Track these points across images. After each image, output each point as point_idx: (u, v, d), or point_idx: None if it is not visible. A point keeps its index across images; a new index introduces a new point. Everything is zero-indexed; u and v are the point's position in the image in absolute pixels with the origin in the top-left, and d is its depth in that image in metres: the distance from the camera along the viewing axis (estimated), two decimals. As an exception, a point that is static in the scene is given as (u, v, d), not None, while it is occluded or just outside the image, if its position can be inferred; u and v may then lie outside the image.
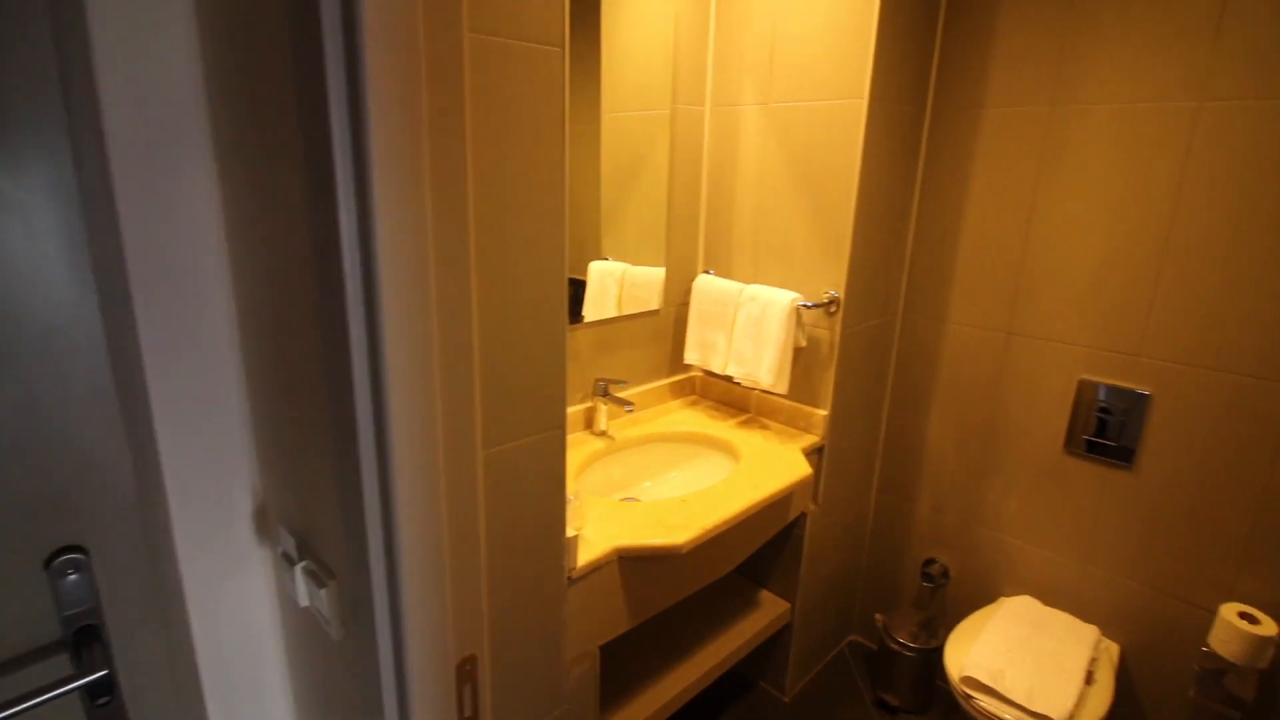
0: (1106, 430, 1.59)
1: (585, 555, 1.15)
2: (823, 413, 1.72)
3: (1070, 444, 1.65)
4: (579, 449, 1.60)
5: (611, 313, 1.75)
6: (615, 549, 1.20)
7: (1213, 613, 1.49)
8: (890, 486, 2.01)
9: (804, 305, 1.64)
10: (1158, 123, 1.43)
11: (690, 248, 1.90)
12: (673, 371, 1.95)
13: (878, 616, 1.96)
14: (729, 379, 1.86)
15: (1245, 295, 1.39)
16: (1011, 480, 1.76)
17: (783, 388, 1.67)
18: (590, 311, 1.71)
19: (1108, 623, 1.67)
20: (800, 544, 1.78)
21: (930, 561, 1.95)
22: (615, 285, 1.79)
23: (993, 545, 1.83)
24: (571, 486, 1.41)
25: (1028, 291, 1.67)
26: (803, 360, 1.75)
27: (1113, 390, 1.57)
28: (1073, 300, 1.60)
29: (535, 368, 0.91)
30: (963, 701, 1.46)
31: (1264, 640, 1.38)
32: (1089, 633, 1.60)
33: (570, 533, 1.07)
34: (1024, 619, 1.64)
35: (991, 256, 1.71)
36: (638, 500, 1.58)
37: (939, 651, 1.83)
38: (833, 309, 1.67)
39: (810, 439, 1.72)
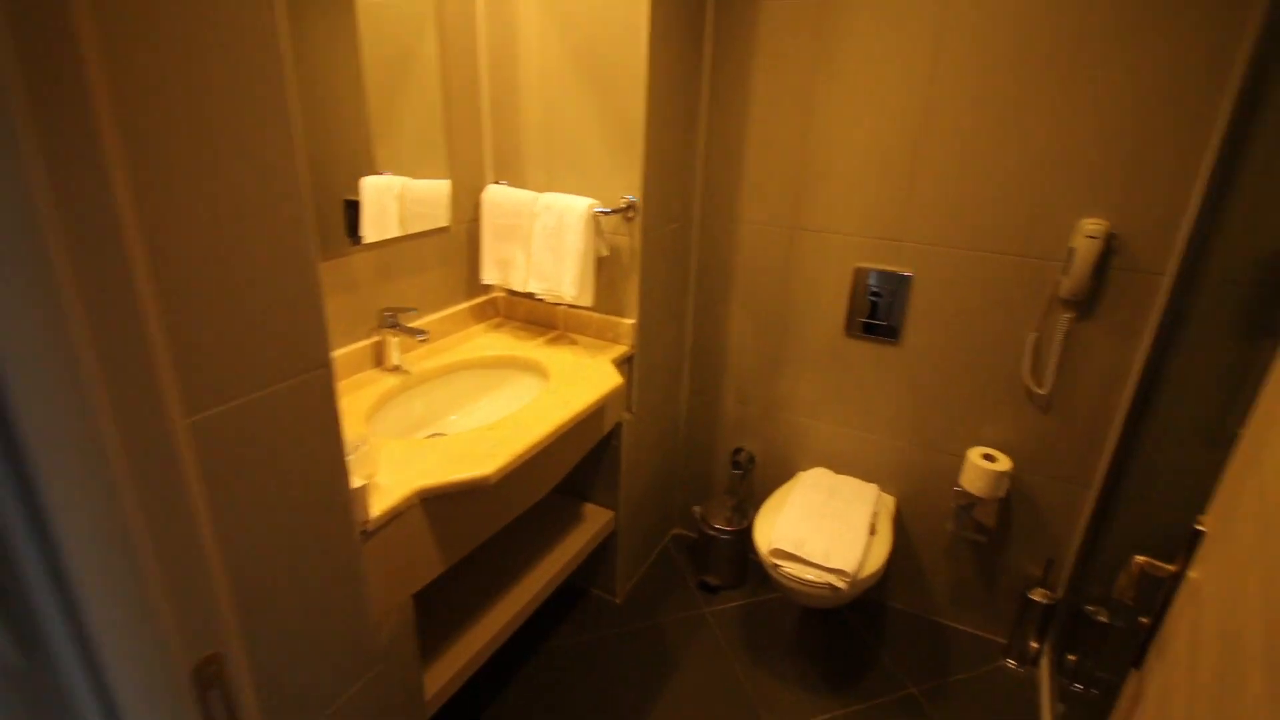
0: (877, 311, 1.75)
1: (381, 504, 1.04)
2: (630, 321, 1.70)
3: (849, 327, 1.80)
4: (368, 389, 1.44)
5: (394, 233, 1.55)
6: (416, 491, 1.10)
7: (962, 458, 1.75)
8: (700, 387, 2.09)
9: (601, 211, 1.57)
10: (912, 14, 1.51)
11: (475, 156, 1.73)
12: (472, 294, 1.81)
13: (695, 509, 2.08)
14: (532, 296, 1.77)
15: (984, 179, 1.56)
16: (802, 366, 1.90)
17: (587, 300, 1.62)
18: (370, 233, 1.50)
19: (887, 481, 1.90)
20: (618, 454, 1.80)
21: (738, 450, 2.08)
22: (395, 203, 1.59)
23: (790, 427, 1.98)
24: (359, 430, 1.27)
25: (809, 186, 1.74)
26: (606, 270, 1.70)
27: (881, 275, 1.72)
28: (846, 193, 1.70)
29: (278, 302, 0.75)
30: (771, 571, 1.60)
31: (1000, 474, 1.65)
32: (870, 491, 1.82)
33: (358, 482, 0.95)
34: (819, 487, 1.81)
35: (776, 154, 1.76)
36: (443, 435, 1.47)
37: (750, 530, 1.99)
38: (631, 214, 1.62)
39: (620, 349, 1.70)
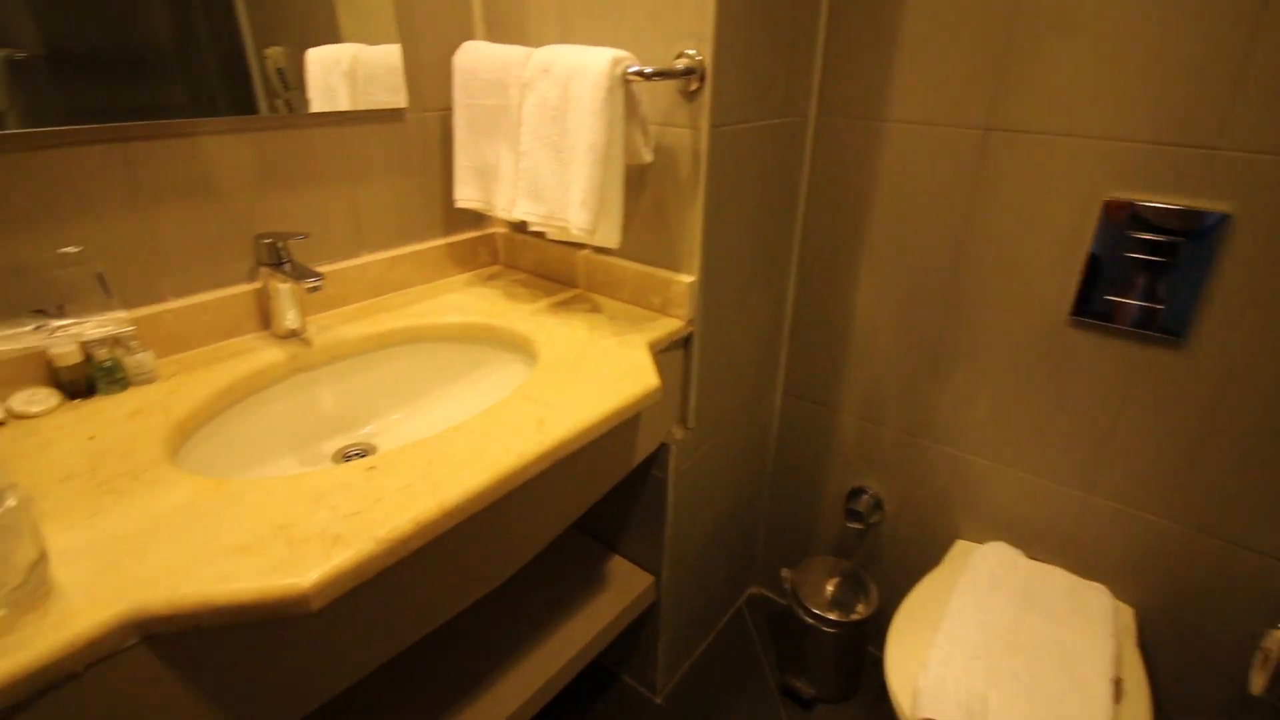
0: (1144, 284, 0.96)
1: (17, 655, 0.43)
2: (686, 280, 1.00)
3: (1082, 309, 1.01)
4: (222, 368, 0.84)
5: (323, 98, 0.94)
6: (126, 618, 0.48)
7: (1299, 566, 0.93)
8: (802, 391, 1.36)
9: (637, 73, 0.87)
10: None
11: (452, 2, 1.08)
12: (452, 227, 1.17)
13: (785, 574, 1.37)
14: (536, 231, 1.11)
15: None
16: (982, 372, 1.13)
17: (610, 235, 0.94)
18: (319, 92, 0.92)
19: (1117, 576, 1.11)
20: (662, 491, 1.12)
21: (858, 492, 1.34)
22: (344, 81, 0.97)
23: (949, 467, 1.22)
24: (178, 447, 0.65)
25: (1025, 50, 0.96)
26: (650, 187, 1.01)
27: (1163, 214, 0.92)
28: (1103, 58, 0.91)
29: None
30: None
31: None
32: (1100, 602, 1.04)
33: None
34: (1003, 586, 1.05)
35: (967, -10, 0.98)
36: (363, 456, 0.86)
37: (870, 626, 1.25)
38: (694, 86, 0.91)
39: (668, 324, 1.01)
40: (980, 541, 1.21)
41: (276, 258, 0.89)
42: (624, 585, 1.17)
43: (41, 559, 0.50)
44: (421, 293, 1.10)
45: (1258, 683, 0.96)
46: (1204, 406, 0.96)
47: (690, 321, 1.03)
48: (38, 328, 0.76)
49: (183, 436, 0.74)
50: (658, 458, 1.10)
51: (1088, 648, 0.94)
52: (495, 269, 1.24)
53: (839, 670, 1.32)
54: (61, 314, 0.78)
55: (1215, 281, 0.91)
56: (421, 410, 1.00)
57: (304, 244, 0.97)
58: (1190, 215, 0.90)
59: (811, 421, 1.36)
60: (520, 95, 0.94)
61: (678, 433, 1.09)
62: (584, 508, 0.90)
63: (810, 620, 1.26)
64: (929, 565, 1.25)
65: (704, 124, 0.92)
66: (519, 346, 0.98)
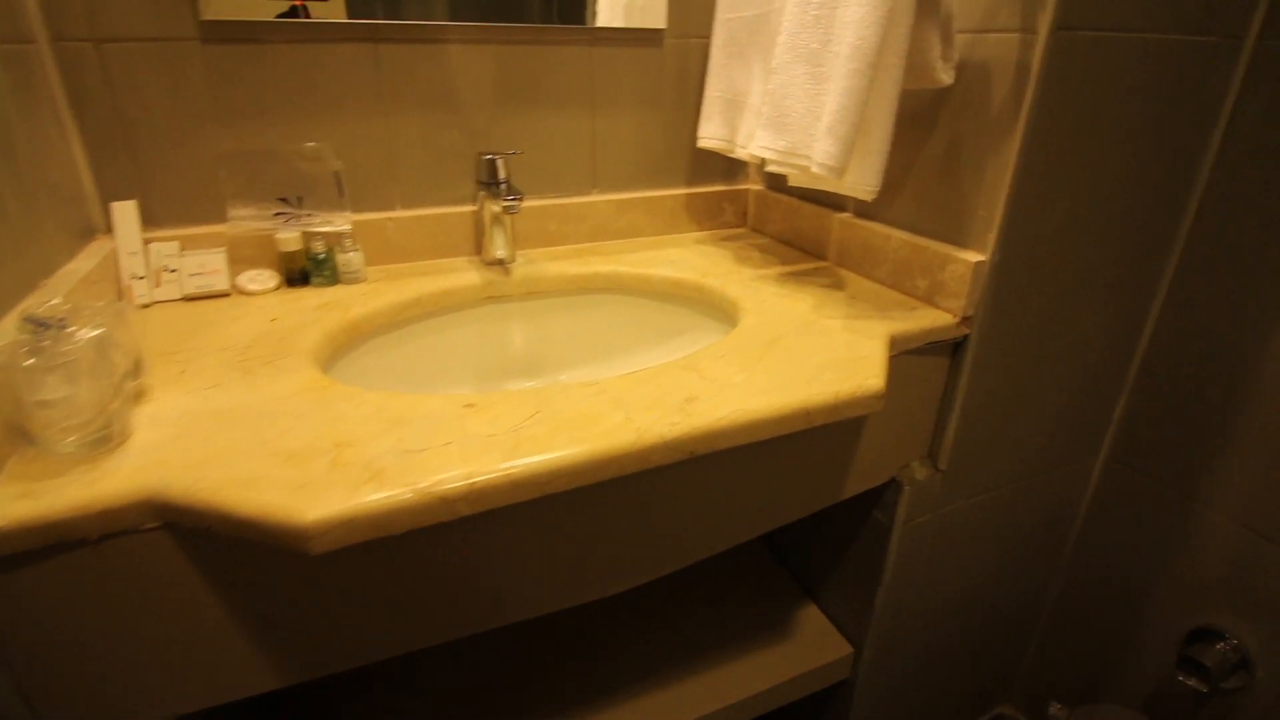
0: None
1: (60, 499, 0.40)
2: (972, 258, 0.70)
3: None
4: (418, 282, 0.81)
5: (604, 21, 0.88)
6: (148, 498, 0.43)
7: None
8: (1141, 459, 0.92)
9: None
10: None
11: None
12: (696, 177, 1.03)
13: (1055, 711, 0.95)
14: (795, 187, 0.90)
15: None
16: None
17: (868, 180, 0.68)
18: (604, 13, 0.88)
19: None
20: (883, 541, 0.83)
21: (1209, 635, 0.87)
22: None
23: None
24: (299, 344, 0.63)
25: None
26: (943, 123, 0.73)
27: None
28: None
29: None
30: None
31: None
32: None
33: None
34: None
35: None
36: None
37: None
38: (1037, -35, 0.61)
39: (930, 317, 0.72)
40: None
41: (493, 176, 0.83)
42: (813, 646, 0.92)
43: (120, 403, 0.47)
44: (646, 244, 0.98)
45: None
46: None
47: (967, 319, 0.72)
48: (278, 214, 0.81)
49: (350, 337, 0.71)
50: (883, 497, 0.81)
51: None
52: (739, 231, 1.06)
53: None
54: (300, 205, 0.82)
55: None
56: (614, 369, 0.87)
57: (534, 174, 0.91)
58: None
59: (1151, 509, 0.92)
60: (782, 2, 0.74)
61: (920, 471, 0.80)
62: (760, 529, 0.68)
63: (1082, 794, 0.85)
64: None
65: (1044, 23, 0.61)
66: (725, 313, 0.79)
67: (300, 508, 0.41)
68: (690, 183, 1.02)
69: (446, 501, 0.44)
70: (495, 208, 0.84)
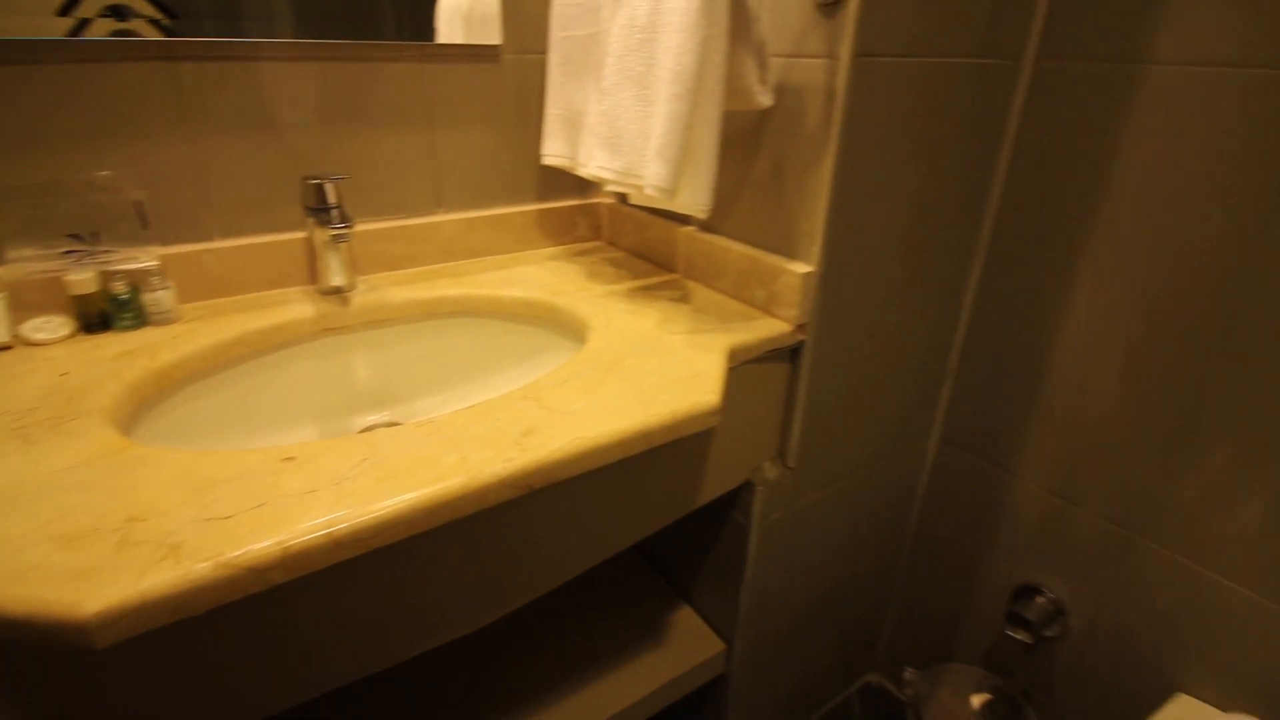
0: None
1: None
2: (801, 269, 0.75)
3: None
4: (242, 319, 0.75)
5: (444, 38, 0.85)
6: None
7: None
8: (966, 440, 1.02)
9: (751, -23, 0.64)
10: None
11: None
12: (547, 192, 1.02)
13: (909, 675, 1.04)
14: (618, 195, 0.91)
15: None
16: (1269, 452, 0.73)
17: (698, 196, 0.71)
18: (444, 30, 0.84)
19: None
20: (742, 540, 0.87)
21: (1030, 591, 0.98)
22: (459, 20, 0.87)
23: (1181, 585, 0.83)
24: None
25: None
26: (768, 142, 0.77)
27: None
28: None
29: None
30: None
31: None
32: None
33: None
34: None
35: None
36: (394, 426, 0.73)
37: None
38: (834, -3, 0.65)
39: (769, 326, 0.76)
40: (1217, 706, 0.80)
41: (321, 200, 0.79)
42: (688, 647, 0.94)
43: None
44: (498, 262, 0.96)
45: None
46: None
47: (801, 326, 0.77)
48: (68, 253, 0.72)
49: (160, 387, 0.65)
50: (740, 498, 0.85)
51: None
52: (594, 245, 1.06)
53: (970, 825, 0.97)
54: (95, 241, 0.73)
55: None
56: (467, 396, 0.85)
57: (373, 195, 0.87)
58: None
59: (976, 484, 1.02)
60: (612, 16, 0.75)
61: (770, 471, 0.84)
62: (621, 545, 0.69)
63: (934, 750, 0.94)
64: (1125, 714, 0.87)
65: (845, 51, 0.66)
66: (576, 331, 0.79)
67: (79, 599, 0.37)
68: (541, 198, 1.02)
69: (256, 572, 0.41)
70: (327, 235, 0.80)
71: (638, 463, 0.64)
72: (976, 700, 1.01)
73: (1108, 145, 0.79)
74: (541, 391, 0.60)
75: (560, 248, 1.03)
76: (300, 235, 0.83)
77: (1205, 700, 0.82)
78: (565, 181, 1.02)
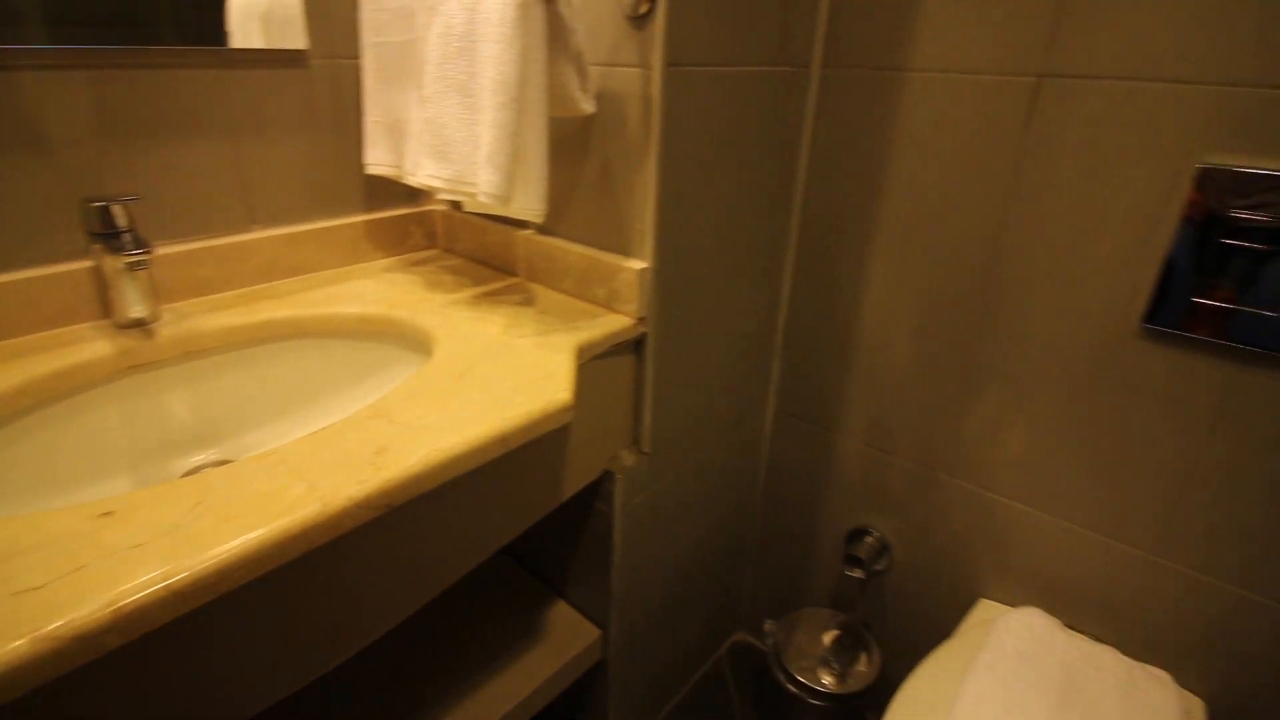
0: (1247, 282, 0.71)
1: None
2: (636, 265, 0.79)
3: (1160, 314, 0.76)
4: (20, 365, 0.66)
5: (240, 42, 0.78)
6: None
7: None
8: (797, 409, 1.13)
9: (562, -10, 0.67)
10: None
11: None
12: (375, 202, 0.98)
13: (769, 626, 1.14)
14: (451, 202, 0.91)
15: None
16: (1021, 393, 0.89)
17: (532, 204, 0.73)
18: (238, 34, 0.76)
19: (1185, 662, 0.86)
20: (607, 528, 0.91)
21: (860, 534, 1.11)
22: (259, 23, 0.80)
23: (973, 510, 0.98)
24: None
25: (1092, -32, 0.72)
26: (596, 147, 0.80)
27: (1272, 186, 0.67)
28: (1203, -28, 0.67)
29: None
30: None
31: None
32: (1161, 698, 0.79)
33: None
34: (1034, 671, 0.81)
35: (1013, -107, 0.75)
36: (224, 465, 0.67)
37: (868, 697, 1.03)
38: (643, 7, 0.70)
39: (612, 322, 0.80)
40: (1009, 604, 0.97)
41: (109, 225, 0.71)
42: (565, 639, 0.97)
43: None
44: (328, 279, 0.91)
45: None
46: (1327, 453, 0.71)
47: (642, 319, 0.81)
48: None
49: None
50: (601, 488, 0.88)
51: (1153, 775, 0.69)
52: (430, 253, 1.04)
53: (831, 748, 1.09)
54: None
55: (1351, 283, 0.66)
56: (310, 422, 0.80)
57: (173, 214, 0.79)
58: (1318, 191, 0.65)
59: (808, 447, 1.14)
60: (427, 23, 0.74)
61: (628, 458, 0.88)
62: (492, 548, 0.69)
63: (794, 689, 1.04)
64: (944, 625, 1.02)
65: (657, 60, 0.71)
66: (420, 344, 0.78)
67: None
68: (370, 208, 0.98)
69: (86, 640, 0.37)
70: (120, 263, 0.72)
71: (499, 466, 0.65)
72: (827, 638, 1.13)
73: (884, 141, 0.91)
74: (391, 408, 0.59)
75: (395, 259, 1.00)
76: (85, 265, 0.74)
77: (1001, 601, 0.99)
78: (394, 190, 0.99)
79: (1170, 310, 0.75)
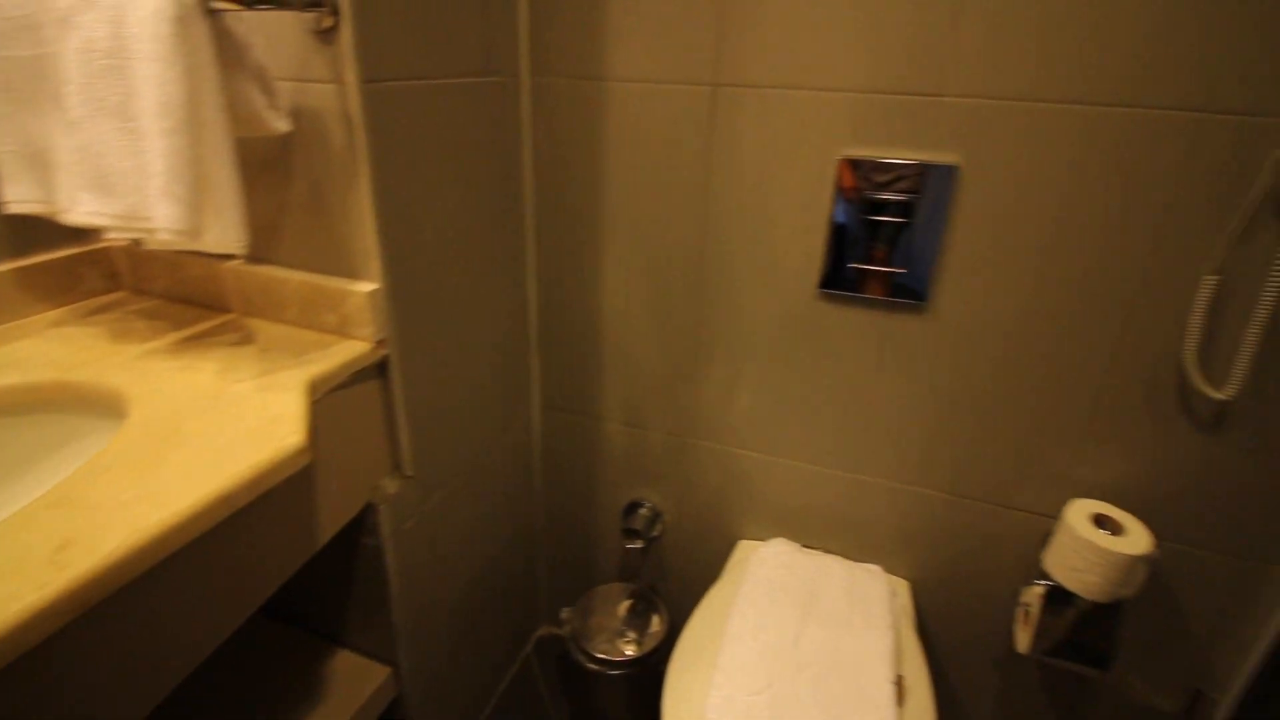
0: (886, 248, 0.89)
1: None
2: (365, 288, 0.76)
3: (830, 280, 0.93)
4: None
5: None
6: None
7: (1049, 518, 0.93)
8: (560, 402, 1.18)
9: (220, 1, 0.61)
10: None
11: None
12: (27, 244, 0.82)
13: (565, 614, 1.18)
14: (133, 240, 0.80)
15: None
16: (740, 358, 1.02)
17: (229, 235, 0.66)
18: None
19: (889, 553, 1.07)
20: (379, 560, 0.87)
21: (635, 506, 1.19)
22: None
23: (721, 466, 1.11)
24: None
25: (740, -7, 0.84)
26: (299, 166, 0.75)
27: (895, 170, 0.85)
28: (821, 3, 0.81)
29: None
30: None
31: (1131, 560, 0.84)
32: (876, 588, 0.98)
33: None
34: (783, 592, 0.96)
35: (669, -78, 0.84)
36: None
37: (664, 655, 1.11)
38: (327, 22, 0.67)
39: (347, 349, 0.76)
40: (762, 539, 1.12)
41: None
42: (351, 686, 0.91)
43: None
44: (-29, 341, 0.74)
45: (1022, 640, 0.95)
46: (949, 371, 0.92)
47: (382, 342, 0.78)
48: None
49: None
50: (365, 522, 0.84)
51: (868, 650, 0.86)
52: (114, 297, 0.89)
53: (638, 716, 1.17)
54: None
55: (949, 238, 0.86)
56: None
57: None
58: (923, 170, 0.84)
59: (576, 436, 1.19)
60: (60, 37, 0.63)
61: (390, 485, 0.85)
62: (246, 612, 0.63)
63: (594, 666, 1.09)
64: (716, 571, 1.14)
65: (351, 77, 0.68)
66: (110, 408, 0.67)
67: None
68: (21, 252, 0.81)
69: None
70: None
71: (231, 528, 0.59)
72: (621, 609, 1.20)
73: (598, 142, 0.97)
74: (74, 491, 0.50)
75: (65, 309, 0.85)
76: None
77: (756, 539, 1.13)
78: (51, 229, 0.83)
79: (837, 276, 0.91)
